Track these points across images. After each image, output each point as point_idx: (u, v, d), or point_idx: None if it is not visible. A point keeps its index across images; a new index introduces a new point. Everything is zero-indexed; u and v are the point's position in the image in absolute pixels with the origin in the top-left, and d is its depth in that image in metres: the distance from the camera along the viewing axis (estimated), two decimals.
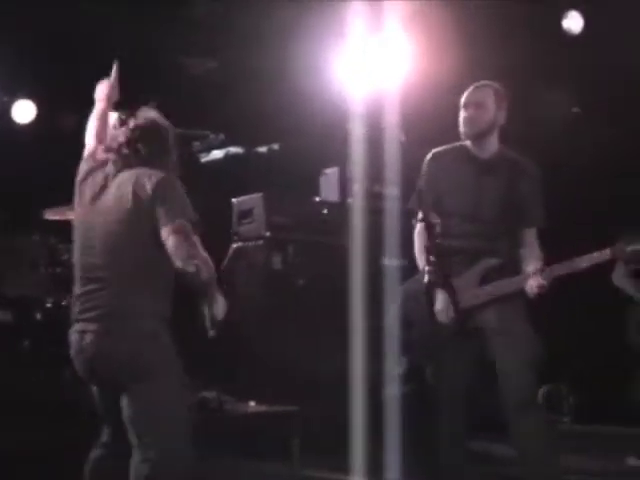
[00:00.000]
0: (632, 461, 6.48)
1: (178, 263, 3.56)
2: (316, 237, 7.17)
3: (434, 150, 4.86)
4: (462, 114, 4.78)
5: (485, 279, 4.65)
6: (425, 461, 4.87)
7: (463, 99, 4.79)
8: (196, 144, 8.39)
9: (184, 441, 3.71)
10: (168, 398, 3.67)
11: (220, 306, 3.76)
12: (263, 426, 6.09)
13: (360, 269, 4.96)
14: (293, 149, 8.44)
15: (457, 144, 4.85)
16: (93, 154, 3.94)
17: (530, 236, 4.75)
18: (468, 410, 4.78)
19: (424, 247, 4.58)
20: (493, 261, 4.66)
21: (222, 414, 5.91)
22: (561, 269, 4.65)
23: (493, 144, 4.79)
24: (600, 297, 7.59)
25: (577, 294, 8.07)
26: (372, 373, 4.92)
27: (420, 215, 4.68)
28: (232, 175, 8.49)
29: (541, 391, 8.49)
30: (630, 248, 4.71)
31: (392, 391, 4.70)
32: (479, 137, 4.76)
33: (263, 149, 8.77)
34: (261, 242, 6.99)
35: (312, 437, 5.96)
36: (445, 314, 4.61)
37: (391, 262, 6.18)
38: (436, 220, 4.66)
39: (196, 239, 3.62)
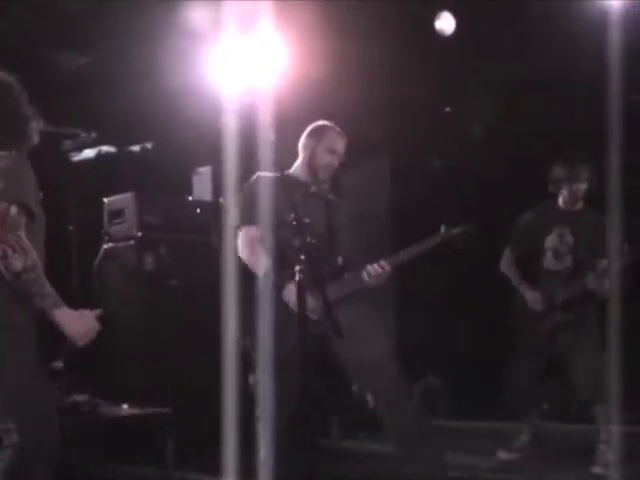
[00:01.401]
0: (503, 455, 6.61)
1: None
2: (189, 237, 7.12)
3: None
4: (328, 158, 5.14)
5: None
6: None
7: (332, 144, 5.23)
8: (67, 143, 8.25)
9: (47, 425, 3.63)
10: (21, 382, 3.58)
11: (75, 328, 3.62)
12: (136, 429, 6.03)
13: (233, 269, 4.92)
14: (166, 148, 8.36)
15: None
16: None
17: None
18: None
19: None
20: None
21: (95, 417, 5.83)
22: (399, 258, 4.97)
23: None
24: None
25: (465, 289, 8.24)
26: (246, 374, 4.90)
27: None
28: (104, 174, 8.36)
29: (416, 388, 8.61)
30: (455, 231, 4.95)
31: (265, 389, 4.68)
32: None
33: (136, 148, 8.67)
34: (132, 242, 6.90)
35: (186, 439, 5.92)
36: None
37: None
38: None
39: (18, 225, 3.43)
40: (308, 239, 4.65)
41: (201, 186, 7.62)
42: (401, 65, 7.38)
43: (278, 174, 4.93)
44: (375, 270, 4.88)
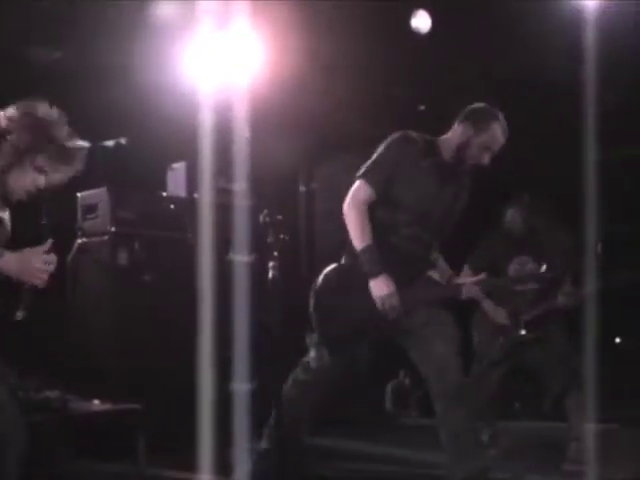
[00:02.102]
0: None
1: None
2: (163, 232, 7.10)
3: (408, 133, 4.86)
4: (481, 154, 4.80)
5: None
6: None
7: (492, 142, 4.81)
8: None
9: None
10: None
11: (20, 268, 3.53)
12: (108, 425, 6.00)
13: (208, 265, 4.91)
14: (140, 143, 8.32)
15: (429, 138, 4.88)
16: None
17: None
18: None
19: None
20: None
21: (66, 413, 5.79)
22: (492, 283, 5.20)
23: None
24: None
25: None
26: (220, 369, 4.88)
27: (371, 195, 4.76)
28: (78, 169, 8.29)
29: (388, 386, 8.63)
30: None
31: (240, 387, 4.66)
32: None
33: (110, 143, 8.62)
34: (106, 237, 6.87)
35: (159, 436, 5.90)
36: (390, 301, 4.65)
37: (239, 258, 6.16)
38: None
39: None
40: (417, 234, 4.73)
41: (175, 182, 7.59)
42: (376, 63, 7.39)
43: (426, 146, 4.81)
44: (470, 290, 4.84)
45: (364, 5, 6.84)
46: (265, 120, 6.69)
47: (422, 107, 8.62)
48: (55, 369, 6.12)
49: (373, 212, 4.77)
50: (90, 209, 7.02)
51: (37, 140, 3.70)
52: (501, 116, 4.84)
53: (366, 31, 7.09)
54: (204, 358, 4.23)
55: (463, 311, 6.64)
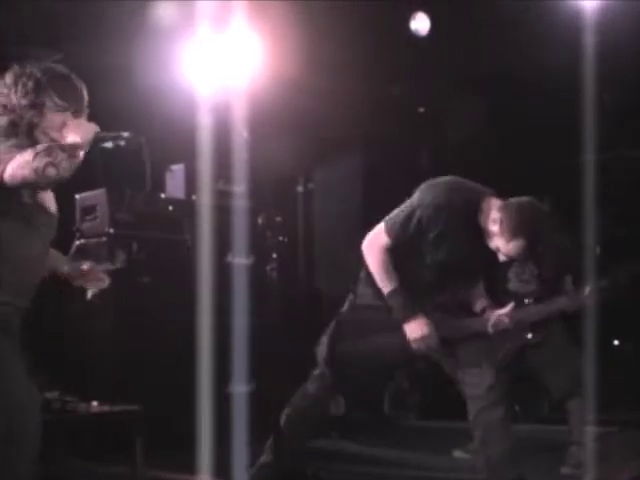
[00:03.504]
0: (458, 454, 6.60)
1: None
2: (161, 234, 7.08)
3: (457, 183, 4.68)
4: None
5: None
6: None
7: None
8: None
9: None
10: None
11: None
12: (106, 426, 5.99)
13: (207, 267, 4.90)
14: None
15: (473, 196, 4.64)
16: None
17: None
18: None
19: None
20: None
21: (64, 415, 5.78)
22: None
23: None
24: None
25: None
26: (218, 371, 4.89)
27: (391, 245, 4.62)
28: (76, 170, 8.29)
29: (386, 389, 8.61)
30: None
31: (238, 389, 4.66)
32: None
33: (109, 144, 8.61)
34: (104, 239, 6.85)
35: (157, 437, 5.89)
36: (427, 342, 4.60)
37: (237, 260, 6.17)
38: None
39: None
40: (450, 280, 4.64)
41: (174, 184, 7.57)
42: (376, 65, 7.39)
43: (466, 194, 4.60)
44: (499, 323, 4.77)
45: (363, 7, 6.83)
46: (264, 122, 6.69)
47: (422, 109, 8.61)
48: (53, 370, 6.10)
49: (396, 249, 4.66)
50: (88, 210, 7.00)
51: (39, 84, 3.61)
52: None
53: (365, 33, 7.09)
54: (203, 360, 4.22)
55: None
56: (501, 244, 4.51)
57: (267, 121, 6.19)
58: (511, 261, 6.36)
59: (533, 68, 7.21)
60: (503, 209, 4.52)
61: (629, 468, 5.91)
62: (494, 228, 4.51)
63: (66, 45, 7.24)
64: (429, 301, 4.66)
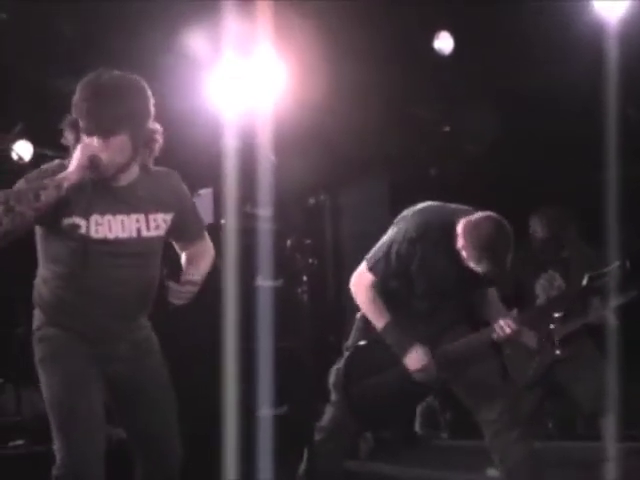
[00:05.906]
0: (491, 472, 6.57)
1: None
2: None
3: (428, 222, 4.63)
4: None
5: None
6: None
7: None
8: None
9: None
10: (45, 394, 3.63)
11: None
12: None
13: (234, 290, 4.92)
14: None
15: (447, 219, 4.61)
16: None
17: None
18: None
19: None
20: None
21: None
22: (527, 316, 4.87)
23: None
24: None
25: None
26: (243, 395, 4.89)
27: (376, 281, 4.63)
28: None
29: (418, 408, 8.59)
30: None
31: (265, 413, 4.67)
32: None
33: None
34: None
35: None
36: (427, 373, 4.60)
37: (264, 282, 6.17)
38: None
39: None
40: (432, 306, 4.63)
41: (202, 208, 7.61)
42: (400, 85, 7.41)
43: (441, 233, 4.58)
44: (504, 331, 4.64)
45: (387, 27, 6.85)
46: (290, 144, 6.71)
47: (447, 128, 8.62)
48: None
49: (385, 282, 4.67)
50: None
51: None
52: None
53: (389, 53, 7.10)
54: (229, 384, 4.24)
55: None
56: (474, 266, 4.48)
57: (293, 144, 6.21)
58: (537, 273, 6.37)
59: (558, 85, 7.20)
60: (463, 233, 4.49)
61: None
62: (463, 252, 4.49)
63: (90, 71, 7.32)
64: (424, 329, 4.64)
